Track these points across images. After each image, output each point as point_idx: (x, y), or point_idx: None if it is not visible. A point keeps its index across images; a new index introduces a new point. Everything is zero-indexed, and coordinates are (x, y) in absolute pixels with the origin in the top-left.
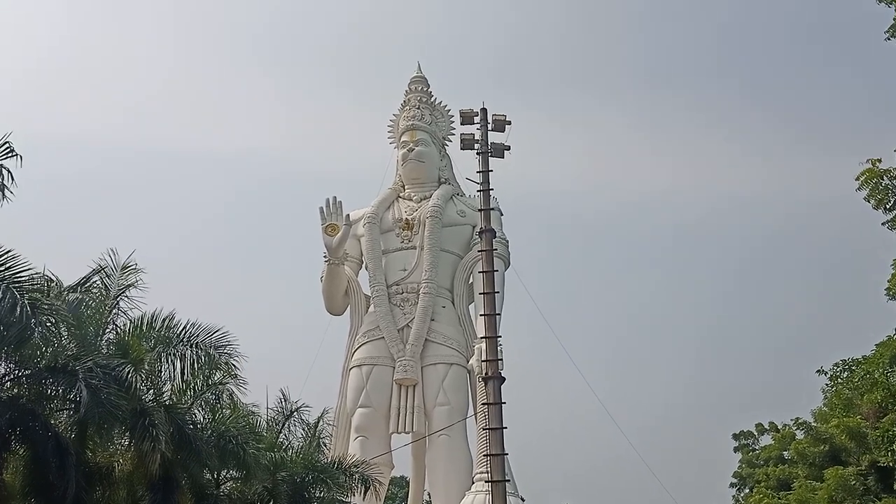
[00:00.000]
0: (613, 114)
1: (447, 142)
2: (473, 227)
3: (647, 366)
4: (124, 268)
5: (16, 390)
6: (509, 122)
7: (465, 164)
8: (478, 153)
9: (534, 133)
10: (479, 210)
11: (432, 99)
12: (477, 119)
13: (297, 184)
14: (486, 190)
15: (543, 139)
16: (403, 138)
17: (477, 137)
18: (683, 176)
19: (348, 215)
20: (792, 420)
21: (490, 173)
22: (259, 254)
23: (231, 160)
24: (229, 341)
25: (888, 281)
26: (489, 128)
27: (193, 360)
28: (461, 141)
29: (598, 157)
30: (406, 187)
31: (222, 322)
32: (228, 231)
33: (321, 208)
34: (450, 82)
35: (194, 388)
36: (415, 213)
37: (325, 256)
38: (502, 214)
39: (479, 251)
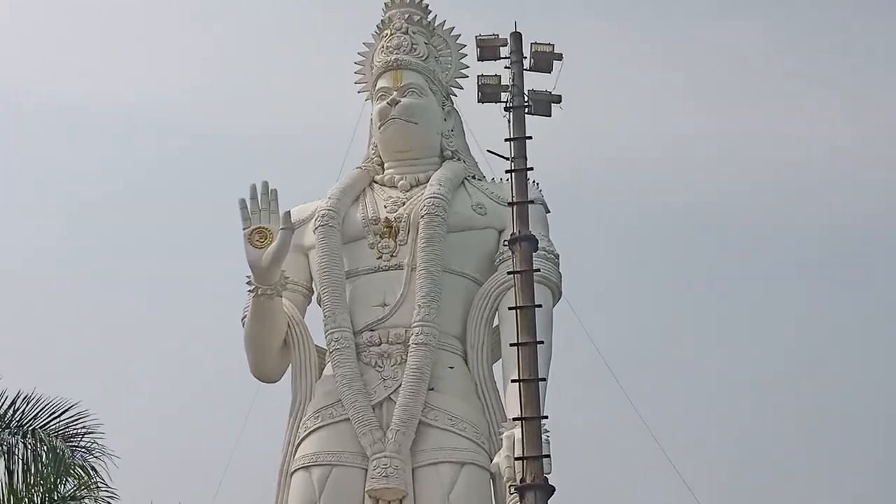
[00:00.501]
0: (741, 35)
1: (455, 90)
2: (500, 231)
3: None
4: None
5: None
6: (559, 57)
7: (486, 128)
8: (507, 108)
9: (601, 75)
10: (510, 204)
11: (430, 17)
12: (506, 50)
13: (213, 156)
14: (521, 170)
15: (617, 85)
16: (381, 83)
17: (507, 82)
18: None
19: (288, 213)
20: None
21: (529, 142)
22: (155, 281)
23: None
24: (89, 428)
25: None
26: (527, 66)
27: (28, 458)
28: (480, 89)
29: (711, 114)
30: (386, 166)
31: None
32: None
33: (242, 202)
34: None
35: None
36: (401, 210)
37: (249, 283)
38: (548, 212)
39: (509, 273)
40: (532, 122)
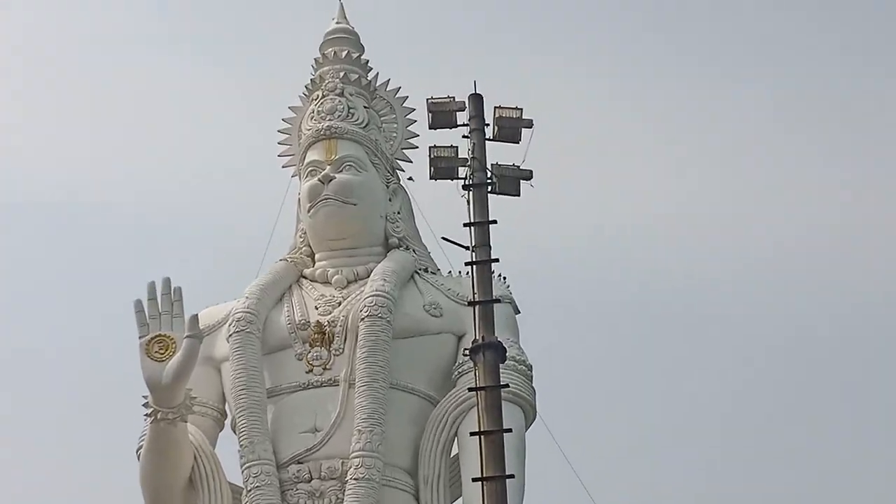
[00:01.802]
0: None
1: (401, 163)
2: (459, 337)
3: None
4: None
5: None
6: (529, 123)
7: (440, 210)
8: (466, 187)
9: (574, 144)
10: (471, 303)
11: (370, 76)
12: (464, 116)
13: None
14: (485, 262)
15: (593, 156)
16: (311, 156)
17: (465, 154)
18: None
19: (195, 318)
20: None
21: (493, 227)
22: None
23: None
24: None
25: None
26: (490, 134)
27: None
28: (432, 163)
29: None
30: (318, 257)
31: None
32: None
33: (138, 305)
34: (405, 43)
35: None
36: (336, 311)
37: (146, 405)
38: (518, 312)
39: (470, 389)
40: (500, 204)
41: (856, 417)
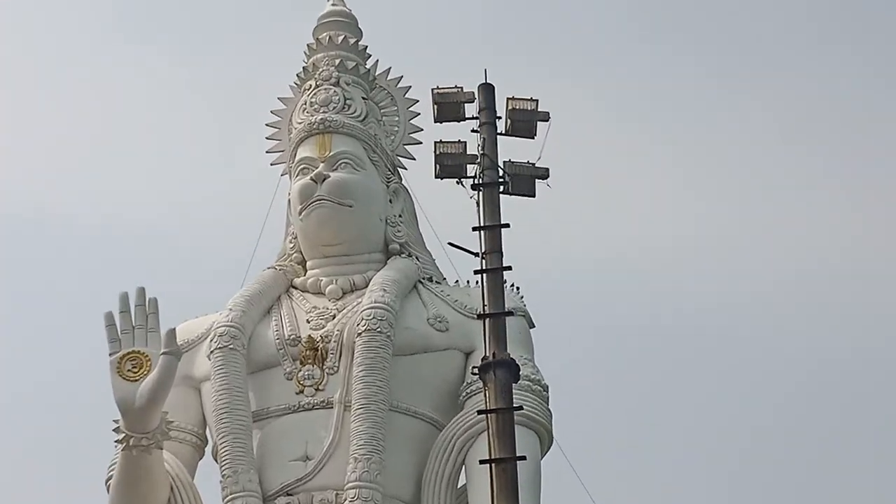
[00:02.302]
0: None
1: (403, 160)
2: (467, 354)
3: None
4: None
5: None
6: (545, 116)
7: (447, 212)
8: (476, 186)
9: (591, 143)
10: (481, 316)
11: (369, 64)
12: (473, 108)
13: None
14: (496, 270)
15: (611, 157)
16: (303, 152)
17: (474, 150)
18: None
19: (173, 332)
20: None
21: (506, 232)
22: None
23: None
24: None
25: None
26: (502, 128)
27: None
28: (438, 160)
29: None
30: (310, 265)
31: None
32: None
33: (108, 318)
34: (408, 28)
35: None
36: (330, 325)
37: (117, 430)
38: (532, 326)
39: (480, 412)
40: (509, 205)
41: (889, 444)
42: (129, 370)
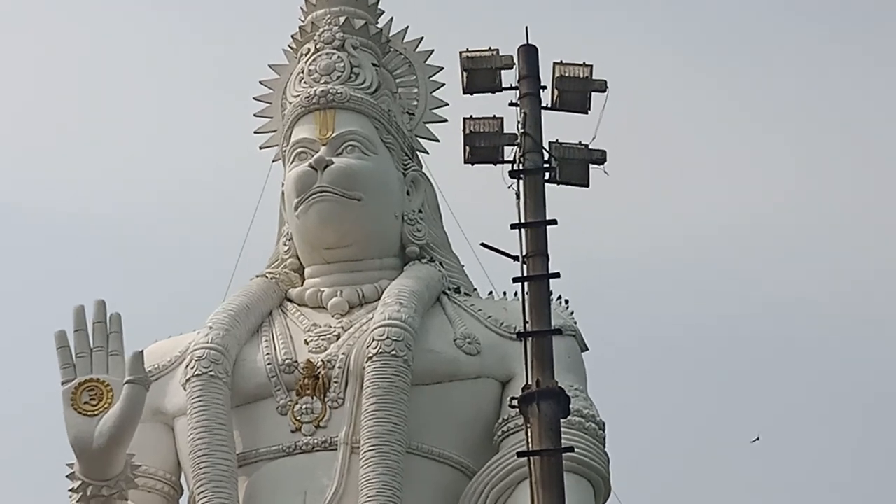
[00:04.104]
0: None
1: (424, 142)
2: (503, 383)
3: None
4: None
5: None
6: (602, 86)
7: (477, 206)
8: (515, 174)
9: (651, 115)
10: (521, 335)
11: (381, 22)
12: (511, 75)
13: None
14: (541, 278)
15: (676, 133)
16: (300, 133)
17: (513, 129)
18: None
19: (140, 356)
20: None
21: (551, 228)
22: None
23: None
24: None
25: None
26: (548, 101)
27: None
28: (467, 141)
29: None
30: (309, 272)
31: None
32: None
33: (61, 337)
34: None
35: None
36: (333, 348)
37: (71, 477)
38: (585, 349)
39: (520, 455)
40: (556, 197)
41: None
42: (86, 402)
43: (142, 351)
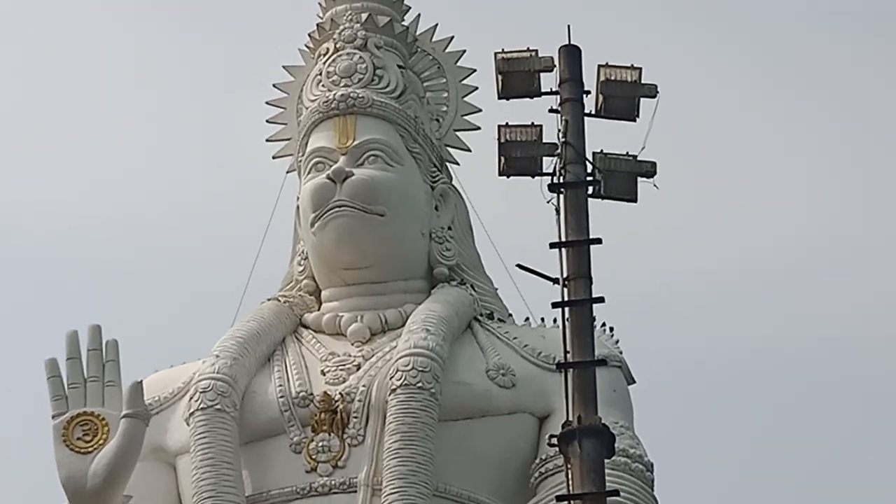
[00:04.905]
0: None
1: (453, 151)
2: (541, 419)
3: None
4: None
5: None
6: (652, 92)
7: (513, 223)
8: (555, 188)
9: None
10: (561, 366)
11: (407, 20)
12: (551, 79)
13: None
14: (583, 303)
15: (729, 143)
16: (317, 141)
17: (552, 138)
18: None
19: (139, 387)
20: None
21: (595, 248)
22: None
23: None
24: None
25: None
26: (591, 108)
27: None
28: (502, 150)
29: None
30: (326, 296)
31: None
32: None
33: (52, 366)
34: None
35: None
36: (353, 379)
37: None
38: (632, 381)
39: (559, 499)
40: (601, 213)
41: None
42: (78, 438)
43: (141, 381)
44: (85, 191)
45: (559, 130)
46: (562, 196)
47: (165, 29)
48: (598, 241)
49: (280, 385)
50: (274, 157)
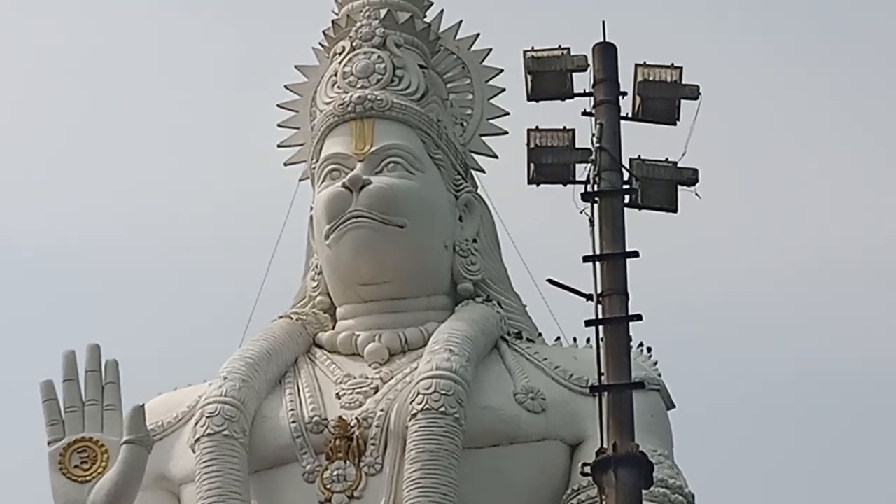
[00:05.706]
0: None
1: (479, 157)
2: (573, 446)
3: None
4: None
5: None
6: (694, 93)
7: (543, 235)
8: (588, 196)
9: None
10: (595, 389)
11: (428, 17)
12: (584, 79)
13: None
14: (619, 320)
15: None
16: (332, 146)
17: (586, 143)
18: None
19: (141, 411)
20: None
21: (632, 262)
22: None
23: None
24: None
25: None
26: (628, 111)
27: None
28: (531, 157)
29: None
30: (341, 313)
31: None
32: None
33: (47, 388)
34: None
35: None
36: (370, 403)
37: None
38: (672, 406)
39: None
40: (638, 224)
41: None
42: (76, 466)
43: (143, 405)
44: (85, 203)
45: (593, 135)
46: (596, 205)
47: (166, 29)
48: (636, 254)
49: (292, 409)
50: (286, 164)
